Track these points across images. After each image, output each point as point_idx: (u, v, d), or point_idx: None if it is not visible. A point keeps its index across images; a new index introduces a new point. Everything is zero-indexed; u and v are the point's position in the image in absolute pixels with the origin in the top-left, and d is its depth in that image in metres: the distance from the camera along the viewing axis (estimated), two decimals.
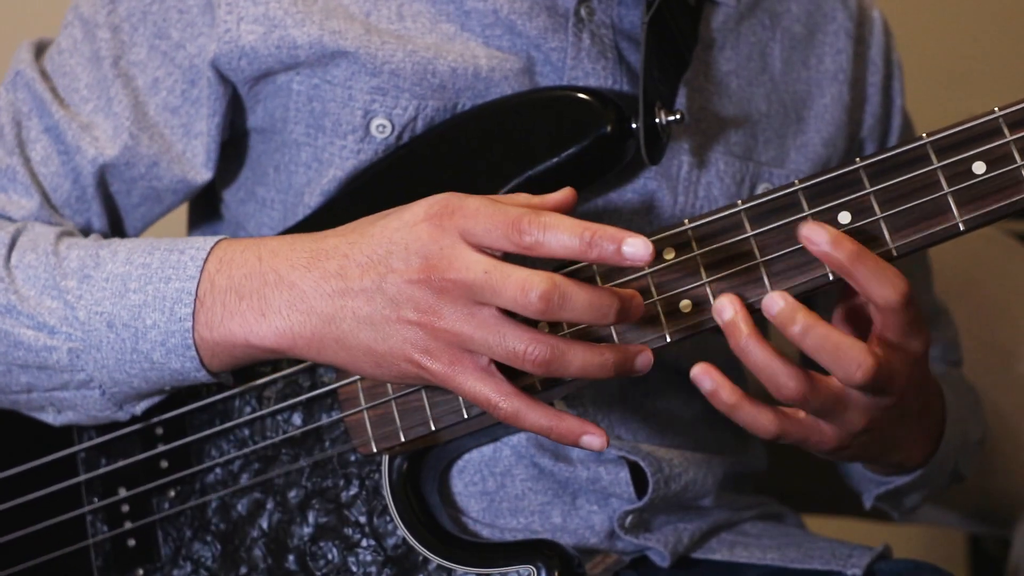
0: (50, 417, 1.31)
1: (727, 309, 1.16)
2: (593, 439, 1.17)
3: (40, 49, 1.37)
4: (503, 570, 1.23)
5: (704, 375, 1.16)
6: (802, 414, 1.19)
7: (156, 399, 1.29)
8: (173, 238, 1.27)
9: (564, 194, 1.19)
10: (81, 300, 1.24)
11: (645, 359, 1.17)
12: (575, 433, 1.17)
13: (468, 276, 1.13)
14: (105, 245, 1.27)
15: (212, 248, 1.23)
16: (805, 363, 1.17)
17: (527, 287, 1.12)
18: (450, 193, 1.17)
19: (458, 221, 1.14)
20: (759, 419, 1.17)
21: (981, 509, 1.74)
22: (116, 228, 1.37)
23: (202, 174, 1.34)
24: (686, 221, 1.22)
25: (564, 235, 1.12)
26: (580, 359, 1.14)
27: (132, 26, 1.33)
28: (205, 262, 1.23)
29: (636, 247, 1.11)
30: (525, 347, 1.13)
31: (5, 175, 1.33)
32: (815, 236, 1.14)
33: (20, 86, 1.34)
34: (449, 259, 1.14)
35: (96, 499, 1.32)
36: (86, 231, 1.35)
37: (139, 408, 1.29)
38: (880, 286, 1.14)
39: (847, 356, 1.14)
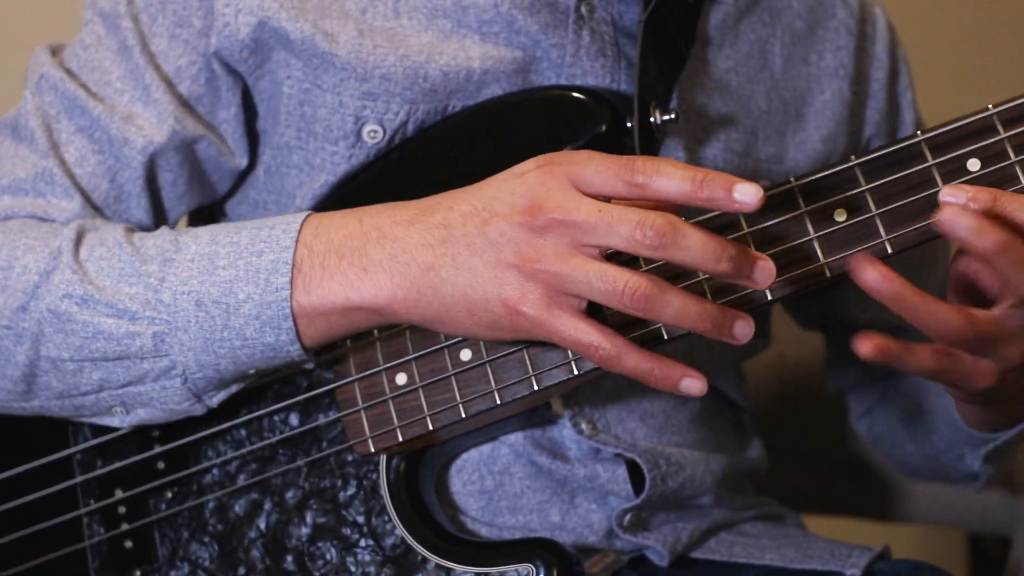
0: (116, 420, 1.28)
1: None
2: (693, 382, 1.15)
3: (55, 52, 1.36)
4: (501, 569, 1.23)
5: (876, 351, 1.11)
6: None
7: (234, 389, 1.26)
8: (257, 220, 1.25)
9: None
10: (164, 282, 1.21)
11: (746, 326, 1.14)
12: (676, 376, 1.15)
13: (579, 216, 1.11)
14: (183, 232, 1.25)
15: (305, 219, 1.22)
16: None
17: (644, 222, 1.10)
18: (557, 152, 1.17)
19: (568, 168, 1.13)
20: (922, 360, 1.14)
21: (981, 508, 1.74)
22: (157, 223, 1.35)
23: (237, 159, 1.34)
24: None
25: (676, 175, 1.11)
26: (679, 302, 1.12)
27: (151, 16, 1.32)
28: (300, 232, 1.21)
29: (747, 193, 1.09)
30: (626, 280, 1.11)
31: (42, 179, 1.31)
32: (949, 199, 1.13)
33: (46, 89, 1.32)
34: (558, 200, 1.12)
35: (92, 501, 1.32)
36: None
37: (217, 399, 1.26)
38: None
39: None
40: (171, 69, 1.32)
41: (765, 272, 1.12)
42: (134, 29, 1.32)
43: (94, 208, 1.32)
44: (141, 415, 1.27)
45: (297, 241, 1.20)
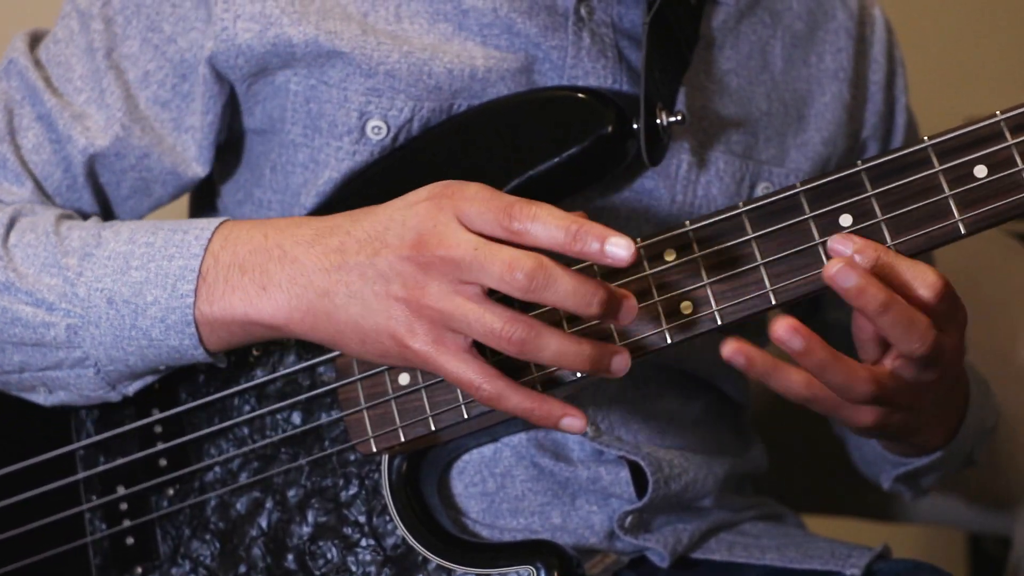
0: (41, 398, 1.31)
1: (846, 246, 1.15)
2: (573, 421, 1.17)
3: (35, 39, 1.37)
4: (502, 570, 1.23)
5: (736, 353, 1.15)
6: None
7: (149, 380, 1.30)
8: (177, 220, 1.28)
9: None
10: (81, 277, 1.25)
11: (622, 360, 1.17)
12: (556, 415, 1.17)
13: (457, 252, 1.14)
14: (107, 226, 1.28)
15: (217, 227, 1.24)
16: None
17: (514, 264, 1.12)
18: (450, 181, 1.18)
19: (456, 202, 1.15)
20: (791, 383, 1.17)
21: (981, 508, 1.74)
22: (107, 218, 1.37)
23: (194, 169, 1.34)
24: (687, 223, 1.22)
25: (552, 225, 1.13)
26: (556, 344, 1.15)
27: (126, 19, 1.33)
28: (210, 241, 1.23)
29: (619, 247, 1.11)
30: (503, 324, 1.14)
31: None
32: (839, 247, 1.15)
33: (13, 74, 1.35)
34: (441, 236, 1.15)
35: (94, 497, 1.32)
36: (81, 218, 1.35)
37: (131, 389, 1.29)
38: (917, 287, 1.15)
39: (917, 329, 1.14)
40: (139, 73, 1.33)
41: (628, 312, 1.14)
42: (103, 32, 1.33)
43: (46, 196, 1.34)
44: (62, 397, 1.30)
45: (206, 250, 1.23)
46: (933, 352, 1.15)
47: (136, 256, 1.24)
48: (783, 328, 1.13)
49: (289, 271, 1.20)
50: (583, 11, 1.32)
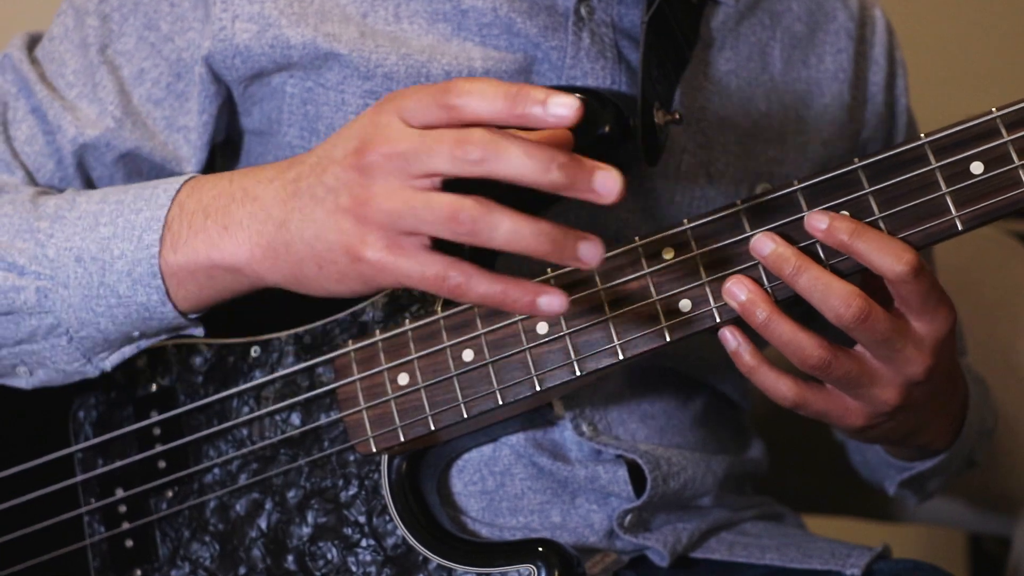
0: (23, 381, 1.29)
1: (741, 291, 1.18)
2: (551, 299, 1.06)
3: (34, 40, 1.38)
4: (503, 569, 1.23)
5: (730, 334, 1.18)
6: (827, 386, 1.21)
7: (127, 353, 1.27)
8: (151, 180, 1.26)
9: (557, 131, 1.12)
10: (52, 239, 1.24)
11: (592, 247, 1.05)
12: (530, 295, 1.07)
13: (400, 146, 1.07)
14: (83, 192, 1.27)
15: (186, 180, 1.23)
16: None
17: (462, 138, 1.05)
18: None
19: (396, 102, 1.10)
20: (778, 384, 1.20)
21: (981, 508, 1.74)
22: None
23: (185, 168, 1.34)
24: (685, 221, 1.22)
25: (489, 93, 1.05)
26: (510, 222, 1.05)
27: (122, 16, 1.33)
28: (177, 192, 1.21)
29: (564, 105, 1.03)
30: (451, 204, 1.05)
31: None
32: (815, 221, 1.17)
33: (7, 69, 1.35)
34: (384, 134, 1.09)
35: (93, 499, 1.32)
36: None
37: (108, 363, 1.27)
38: (884, 257, 1.16)
39: (837, 293, 1.16)
40: (134, 70, 1.33)
41: (606, 182, 1.04)
42: (99, 28, 1.33)
43: (38, 187, 1.33)
44: (41, 376, 1.29)
45: (173, 200, 1.21)
46: (864, 322, 1.16)
47: (105, 214, 1.23)
48: (732, 281, 1.17)
49: (250, 208, 1.16)
50: (583, 11, 1.32)
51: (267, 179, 1.16)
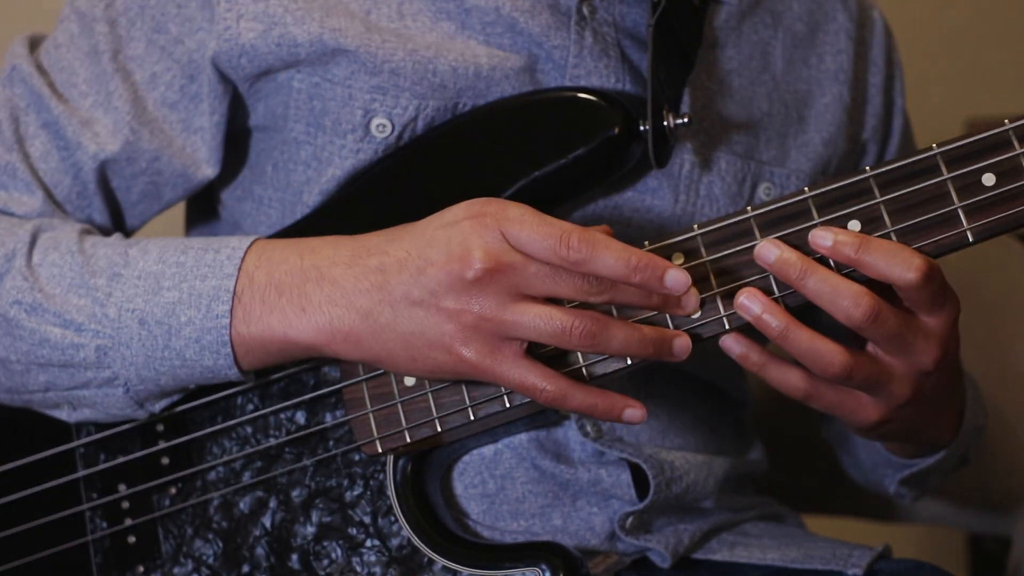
0: (64, 414, 1.30)
1: (754, 304, 1.18)
2: (634, 412, 1.19)
3: (34, 44, 1.36)
4: (508, 571, 1.24)
5: (732, 341, 1.20)
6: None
7: (175, 398, 1.29)
8: (205, 237, 1.27)
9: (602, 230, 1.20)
10: (111, 297, 1.24)
11: (683, 342, 1.19)
12: (618, 408, 1.19)
13: (509, 258, 1.15)
14: (133, 244, 1.27)
15: (249, 247, 1.24)
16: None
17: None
18: (486, 198, 1.19)
19: (503, 224, 1.16)
20: (789, 377, 1.21)
21: (981, 508, 1.75)
22: (117, 224, 1.36)
23: (204, 170, 1.34)
24: (695, 227, 1.22)
25: (611, 258, 1.14)
26: (623, 333, 1.16)
27: (129, 20, 1.32)
28: (243, 260, 1.23)
29: (677, 280, 1.15)
30: (572, 320, 1.15)
31: (5, 172, 1.32)
32: (819, 239, 1.18)
33: (17, 81, 1.33)
34: (488, 251, 1.16)
35: (95, 495, 1.32)
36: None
37: (158, 407, 1.29)
38: (894, 267, 1.17)
39: (846, 294, 1.17)
40: (146, 75, 1.32)
41: (678, 281, 1.16)
42: (108, 34, 1.32)
43: (56, 204, 1.33)
44: (87, 414, 1.30)
45: (240, 269, 1.22)
46: (875, 320, 1.17)
47: (167, 276, 1.23)
48: (744, 295, 1.18)
49: (328, 292, 1.20)
50: (585, 10, 1.31)
51: (343, 262, 1.20)
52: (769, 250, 1.18)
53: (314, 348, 1.21)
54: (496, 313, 1.16)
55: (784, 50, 1.41)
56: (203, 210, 1.43)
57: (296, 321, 1.20)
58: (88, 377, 1.25)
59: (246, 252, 1.23)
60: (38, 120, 1.32)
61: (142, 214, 1.37)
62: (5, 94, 1.34)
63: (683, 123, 1.27)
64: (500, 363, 1.17)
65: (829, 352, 1.18)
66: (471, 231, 1.16)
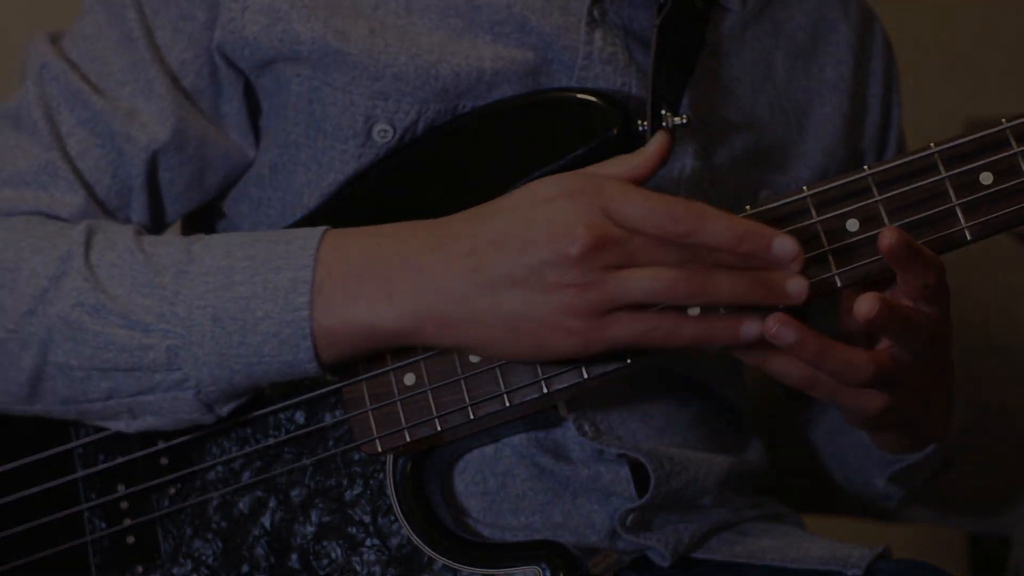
0: (123, 424, 1.27)
1: (789, 333, 1.16)
2: (750, 326, 1.16)
3: (55, 40, 1.34)
4: (508, 570, 1.24)
5: (785, 328, 1.16)
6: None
7: (244, 400, 1.26)
8: (270, 231, 1.26)
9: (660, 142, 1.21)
10: (179, 295, 1.21)
11: (798, 283, 1.16)
12: (735, 324, 1.17)
13: (612, 231, 1.15)
14: (193, 240, 1.25)
15: (323, 236, 1.22)
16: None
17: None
18: (575, 172, 1.19)
19: (603, 199, 1.16)
20: (791, 367, 1.19)
21: (981, 508, 1.75)
22: (155, 221, 1.34)
23: (243, 152, 1.33)
24: None
25: (719, 227, 1.14)
26: (728, 279, 1.15)
27: (153, 9, 1.31)
28: (317, 250, 1.21)
29: (785, 244, 1.14)
30: (679, 275, 1.14)
31: (45, 172, 1.29)
32: (885, 241, 1.16)
33: (48, 79, 1.31)
34: (591, 226, 1.15)
35: (94, 496, 1.32)
36: None
37: (226, 409, 1.26)
38: (927, 274, 1.17)
39: (918, 325, 1.17)
40: (175, 63, 1.31)
41: (785, 247, 1.15)
42: (139, 20, 1.31)
43: (97, 203, 1.30)
44: (149, 421, 1.26)
45: (316, 259, 1.20)
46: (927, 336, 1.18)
47: (238, 271, 1.21)
48: (773, 321, 1.15)
49: (415, 279, 1.18)
50: (596, 12, 1.31)
51: (428, 249, 1.19)
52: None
53: (402, 335, 1.19)
54: (603, 284, 1.15)
55: (786, 59, 1.41)
56: (197, 213, 1.42)
57: (383, 309, 1.19)
58: (156, 380, 1.22)
59: (320, 241, 1.21)
60: (73, 118, 1.30)
61: (183, 207, 1.34)
62: (36, 92, 1.31)
63: (682, 123, 1.27)
64: (610, 327, 1.16)
65: (860, 359, 1.17)
66: (570, 207, 1.15)
